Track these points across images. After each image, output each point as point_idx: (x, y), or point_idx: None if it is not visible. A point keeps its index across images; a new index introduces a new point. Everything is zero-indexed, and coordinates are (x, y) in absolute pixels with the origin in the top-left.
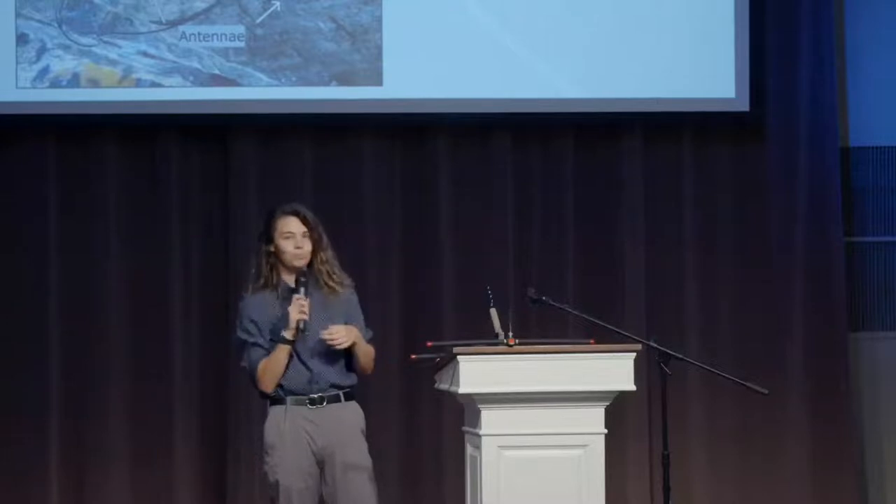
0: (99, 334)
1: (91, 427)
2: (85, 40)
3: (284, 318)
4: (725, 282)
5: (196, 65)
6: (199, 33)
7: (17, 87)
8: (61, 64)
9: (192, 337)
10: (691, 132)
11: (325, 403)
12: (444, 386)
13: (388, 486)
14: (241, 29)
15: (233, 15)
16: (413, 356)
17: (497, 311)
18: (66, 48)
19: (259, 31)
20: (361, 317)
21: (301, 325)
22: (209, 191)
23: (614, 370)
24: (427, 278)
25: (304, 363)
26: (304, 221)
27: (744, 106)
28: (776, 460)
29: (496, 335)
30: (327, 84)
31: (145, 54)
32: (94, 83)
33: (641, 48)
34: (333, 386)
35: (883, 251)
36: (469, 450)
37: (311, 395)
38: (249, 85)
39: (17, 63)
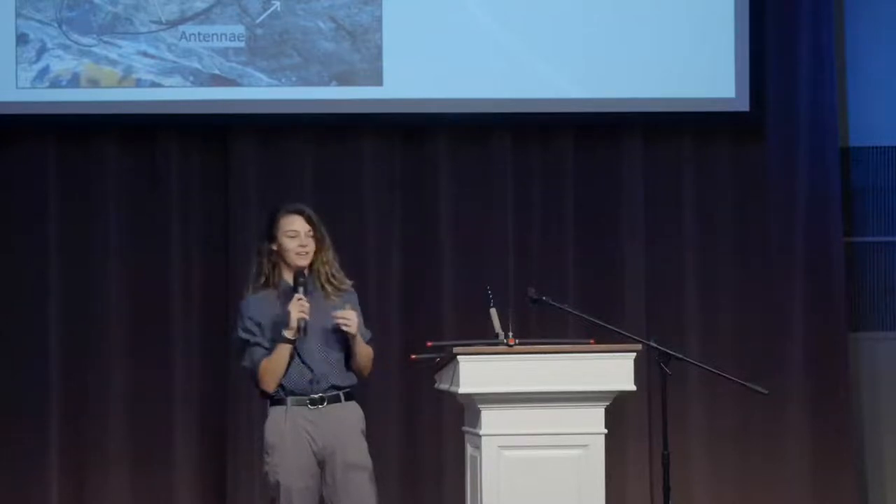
0: (99, 334)
1: (91, 427)
2: (85, 40)
3: (285, 317)
4: (725, 282)
5: (196, 65)
6: (199, 33)
7: (17, 87)
8: (61, 64)
9: (192, 337)
10: (691, 132)
11: (325, 404)
12: (444, 386)
13: (388, 486)
14: (240, 29)
15: (233, 15)
16: (413, 356)
17: (497, 310)
18: (66, 48)
19: (259, 31)
20: (361, 318)
21: (301, 325)
22: (209, 191)
23: (614, 370)
24: (427, 278)
25: (305, 363)
26: (309, 221)
27: (744, 106)
28: (776, 460)
29: (496, 335)
30: (327, 84)
31: (145, 54)
32: (94, 83)
33: (641, 48)
34: (334, 386)
35: (883, 251)
36: (469, 450)
37: (312, 396)
38: (249, 85)
39: (17, 63)
